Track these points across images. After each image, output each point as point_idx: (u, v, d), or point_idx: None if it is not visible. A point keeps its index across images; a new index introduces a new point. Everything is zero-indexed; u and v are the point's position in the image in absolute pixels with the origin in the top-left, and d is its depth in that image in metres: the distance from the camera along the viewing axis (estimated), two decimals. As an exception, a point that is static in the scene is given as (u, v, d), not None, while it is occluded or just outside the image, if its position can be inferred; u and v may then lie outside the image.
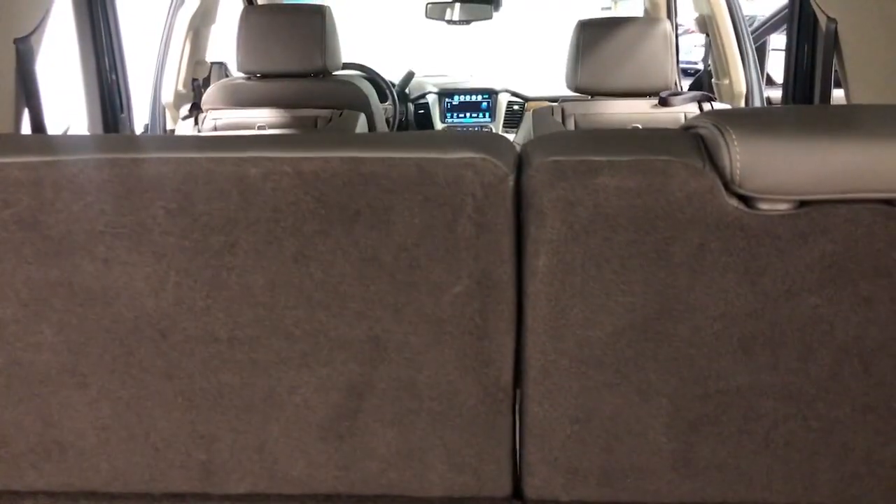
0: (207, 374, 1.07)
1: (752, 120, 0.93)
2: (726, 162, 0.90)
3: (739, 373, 1.02)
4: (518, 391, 1.10)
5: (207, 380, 1.08)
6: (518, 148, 0.99)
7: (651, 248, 0.94)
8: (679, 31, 3.99)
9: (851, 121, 0.94)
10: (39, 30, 2.34)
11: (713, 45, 3.46)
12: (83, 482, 1.19)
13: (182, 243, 0.98)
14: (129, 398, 1.11)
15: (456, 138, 0.96)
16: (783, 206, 0.91)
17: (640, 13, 4.35)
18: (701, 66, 4.71)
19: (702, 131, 0.95)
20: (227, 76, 4.00)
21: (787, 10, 3.50)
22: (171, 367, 1.07)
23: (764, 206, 0.92)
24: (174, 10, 3.57)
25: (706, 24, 3.45)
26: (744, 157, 0.89)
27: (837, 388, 1.03)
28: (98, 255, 0.99)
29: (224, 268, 0.99)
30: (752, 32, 3.54)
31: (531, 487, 1.16)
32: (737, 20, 3.32)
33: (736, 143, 0.89)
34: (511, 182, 0.93)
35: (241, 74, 3.25)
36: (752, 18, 4.37)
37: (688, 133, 0.98)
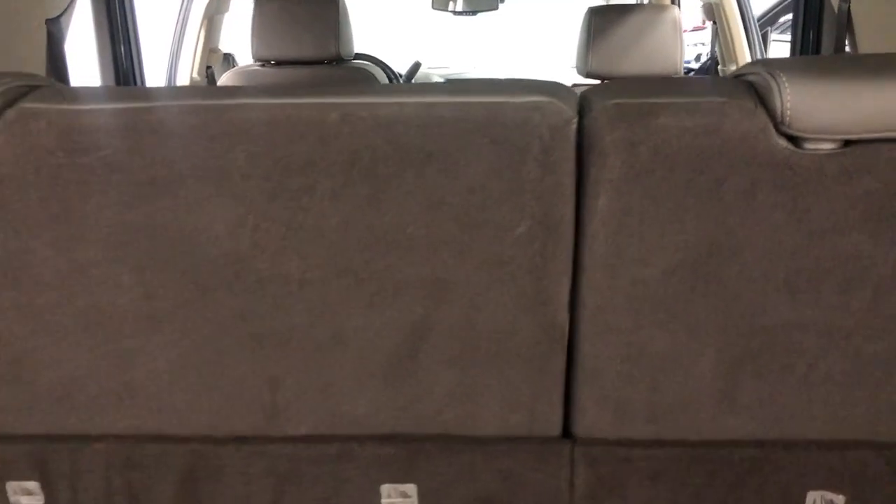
0: (278, 315, 1.13)
1: (800, 66, 0.99)
2: (777, 103, 0.96)
3: (783, 309, 1.09)
4: (571, 331, 1.16)
5: (277, 321, 1.14)
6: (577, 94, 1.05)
7: (705, 186, 1.00)
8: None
9: (891, 66, 1.00)
10: (68, 11, 2.39)
11: (720, 33, 3.53)
12: (152, 426, 1.24)
13: (262, 186, 1.03)
14: (200, 341, 1.16)
15: (523, 84, 1.02)
16: (829, 146, 0.98)
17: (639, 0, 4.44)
18: (695, 66, 4.80)
19: (752, 78, 1.02)
20: (233, 66, 4.05)
21: (787, 2, 3.58)
22: (244, 309, 1.13)
23: (811, 145, 0.98)
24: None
25: (713, 12, 3.52)
26: (793, 98, 0.95)
27: (875, 324, 1.09)
28: (180, 199, 1.05)
29: (300, 209, 1.04)
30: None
31: (581, 426, 1.22)
32: (744, 7, 3.39)
33: (787, 85, 0.95)
34: (575, 124, 0.99)
35: (255, 62, 3.30)
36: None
37: (739, 79, 1.04)
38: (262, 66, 3.30)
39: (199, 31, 3.63)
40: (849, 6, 2.21)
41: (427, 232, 1.06)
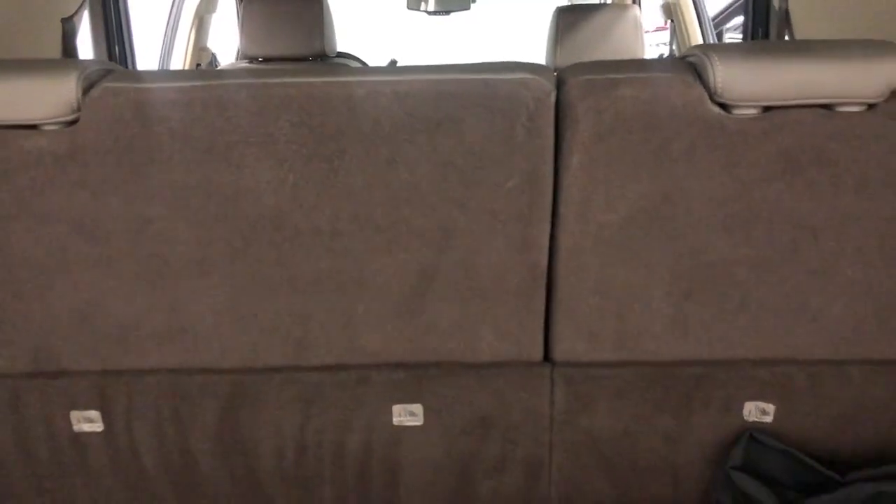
0: (310, 261, 1.37)
1: (729, 49, 1.26)
2: (710, 78, 1.22)
3: (721, 248, 1.35)
4: (550, 270, 1.41)
5: (309, 266, 1.37)
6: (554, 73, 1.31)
7: (656, 145, 1.26)
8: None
9: (800, 48, 1.27)
10: (81, 9, 2.60)
11: (677, 30, 3.82)
12: (198, 360, 1.47)
13: (300, 151, 1.27)
14: (243, 285, 1.39)
15: (512, 64, 1.27)
16: (752, 111, 1.24)
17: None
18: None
19: (692, 59, 1.28)
20: (215, 65, 4.26)
21: (739, 3, 3.88)
22: (281, 257, 1.36)
23: (738, 111, 1.24)
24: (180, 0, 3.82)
25: (671, 11, 3.81)
26: (723, 74, 1.21)
27: (795, 258, 1.36)
28: (232, 162, 1.28)
29: (332, 171, 1.28)
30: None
31: (558, 352, 1.47)
32: (698, 6, 3.68)
33: (718, 64, 1.21)
34: (553, 96, 1.24)
35: (243, 59, 3.52)
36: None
37: (683, 60, 1.30)
38: (250, 62, 3.51)
39: (190, 31, 3.83)
40: (786, 6, 2.51)
41: (436, 188, 1.31)
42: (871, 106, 1.24)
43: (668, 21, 3.94)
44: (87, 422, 1.51)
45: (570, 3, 4.66)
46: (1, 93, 1.23)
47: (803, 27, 2.47)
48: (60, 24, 2.46)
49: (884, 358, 1.44)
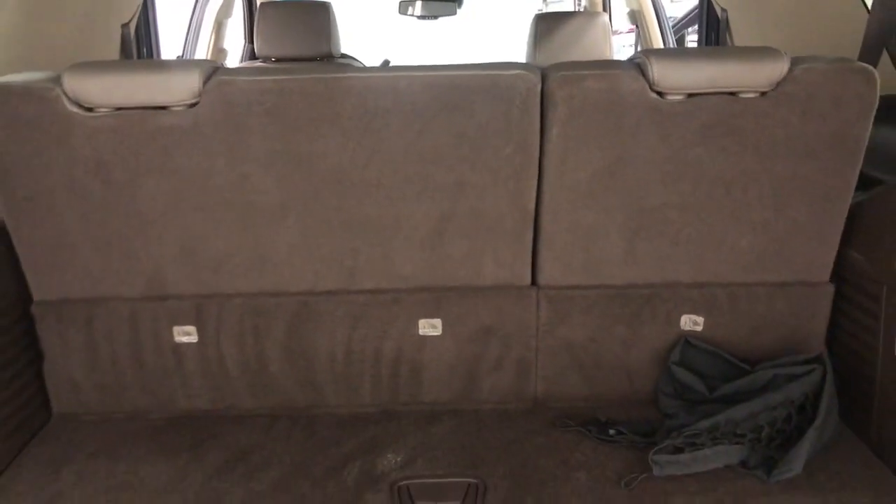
0: (361, 207, 1.85)
1: (663, 53, 1.77)
2: (650, 74, 1.73)
3: (660, 196, 1.86)
4: (536, 215, 1.90)
5: (360, 211, 1.86)
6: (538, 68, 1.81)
7: (612, 122, 1.76)
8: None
9: (714, 53, 1.78)
10: (135, 16, 3.06)
11: (641, 34, 4.35)
12: (273, 285, 1.95)
13: (357, 125, 1.76)
14: (311, 225, 1.88)
15: (509, 64, 1.77)
16: (679, 97, 1.75)
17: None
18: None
19: (638, 60, 1.78)
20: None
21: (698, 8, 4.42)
22: (340, 203, 1.85)
23: (669, 97, 1.75)
24: (202, 6, 4.28)
25: (636, 18, 4.34)
26: (658, 71, 1.72)
27: (713, 204, 1.87)
28: (307, 133, 1.76)
29: (380, 139, 1.77)
30: (673, 27, 4.46)
31: (542, 278, 1.97)
32: (660, 14, 4.21)
33: (654, 63, 1.72)
34: (539, 86, 1.75)
35: (259, 59, 4.00)
36: (674, 18, 5.31)
37: (632, 61, 1.81)
38: (264, 62, 3.99)
39: (211, 34, 4.29)
40: (727, 17, 3.05)
41: (453, 153, 1.80)
42: (763, 93, 1.75)
43: (634, 26, 4.47)
44: (186, 335, 1.98)
45: (546, 11, 5.17)
46: (143, 85, 1.71)
47: (743, 33, 3.01)
48: (119, 29, 2.91)
49: (782, 281, 1.96)
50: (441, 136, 1.78)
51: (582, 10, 5.17)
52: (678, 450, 1.74)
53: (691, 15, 5.49)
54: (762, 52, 1.74)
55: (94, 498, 1.68)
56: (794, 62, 1.75)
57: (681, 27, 5.23)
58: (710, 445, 1.73)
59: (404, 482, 1.73)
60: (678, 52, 1.80)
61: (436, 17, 5.13)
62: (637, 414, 1.98)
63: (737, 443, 1.73)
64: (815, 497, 1.64)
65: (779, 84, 1.74)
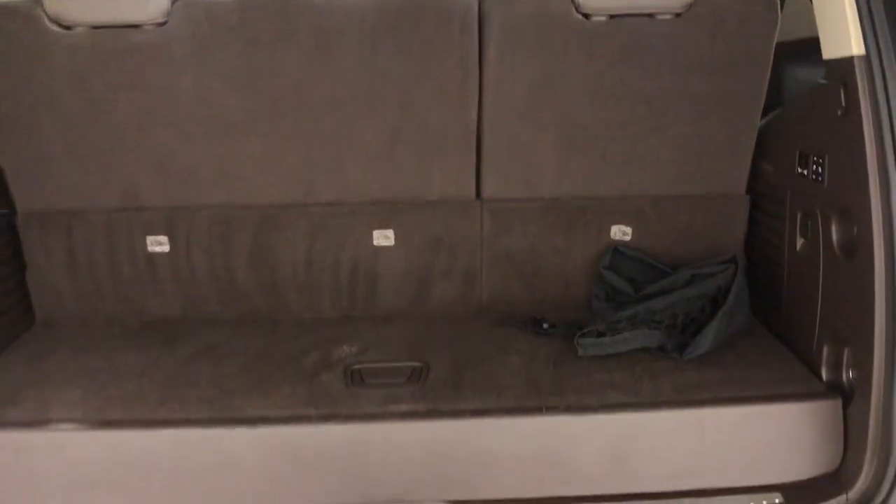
0: (318, 123, 2.04)
1: None
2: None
3: (588, 113, 2.05)
4: (478, 132, 2.09)
5: (317, 127, 2.04)
6: None
7: (543, 41, 1.95)
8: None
9: None
10: None
11: None
12: (239, 197, 2.13)
13: (313, 42, 1.94)
14: (273, 140, 2.06)
15: None
16: (602, 19, 1.95)
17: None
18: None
19: None
20: None
21: None
22: (299, 119, 2.03)
23: (593, 18, 1.94)
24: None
25: None
26: None
27: (636, 121, 2.07)
28: (268, 50, 1.94)
29: (333, 57, 1.96)
30: None
31: (485, 191, 2.16)
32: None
33: None
34: (476, 6, 1.94)
35: None
36: None
37: None
38: None
39: None
40: None
41: (401, 69, 1.99)
42: (677, 15, 1.95)
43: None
44: (158, 244, 2.16)
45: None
46: (117, 4, 1.88)
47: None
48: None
49: (703, 193, 2.17)
50: (390, 53, 1.97)
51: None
52: (601, 334, 1.94)
53: None
54: None
55: (75, 380, 1.86)
56: None
57: None
58: (629, 330, 1.93)
59: (357, 366, 1.92)
60: None
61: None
62: (571, 316, 2.18)
63: (654, 329, 1.93)
64: (721, 372, 1.84)
65: (691, 6, 1.94)
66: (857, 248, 1.65)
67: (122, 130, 2.02)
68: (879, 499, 1.60)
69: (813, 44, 1.76)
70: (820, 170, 1.80)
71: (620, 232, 2.21)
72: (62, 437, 1.67)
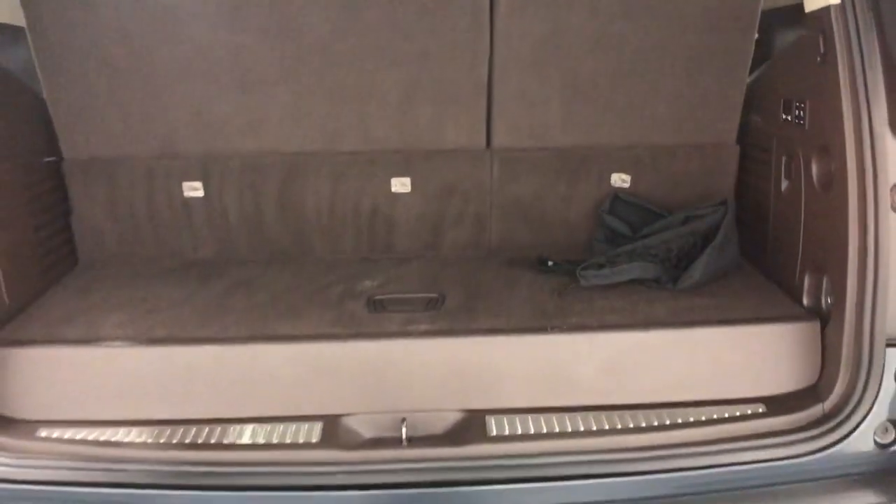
0: (341, 75, 2.21)
1: None
2: None
3: (590, 65, 2.23)
4: (489, 83, 2.27)
5: (340, 79, 2.22)
6: None
7: (544, 0, 2.13)
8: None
9: None
10: None
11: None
12: (268, 146, 2.31)
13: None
14: (299, 91, 2.23)
15: None
16: None
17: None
18: None
19: None
20: None
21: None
22: (324, 71, 2.20)
23: None
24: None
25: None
26: None
27: (635, 74, 2.24)
28: (296, 4, 2.12)
29: (356, 10, 2.13)
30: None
31: (495, 141, 2.34)
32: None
33: None
34: None
35: None
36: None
37: None
38: None
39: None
40: None
41: (418, 24, 2.16)
42: None
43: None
44: (193, 190, 2.34)
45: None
46: None
47: None
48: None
49: (696, 143, 2.34)
50: (409, 10, 2.14)
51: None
52: (601, 266, 2.12)
53: None
54: None
55: (120, 308, 2.04)
56: None
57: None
58: (628, 262, 2.11)
59: (378, 297, 2.10)
60: None
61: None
62: (574, 257, 2.35)
63: (651, 262, 2.11)
64: (711, 300, 2.02)
65: None
66: (834, 182, 1.82)
67: (162, 82, 2.20)
68: (850, 407, 1.77)
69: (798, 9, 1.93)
70: (802, 114, 1.97)
71: (620, 179, 2.38)
72: (113, 353, 1.85)
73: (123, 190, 2.33)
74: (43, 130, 2.25)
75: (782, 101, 2.08)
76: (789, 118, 2.04)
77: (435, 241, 2.42)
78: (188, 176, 2.33)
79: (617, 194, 2.38)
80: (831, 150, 1.82)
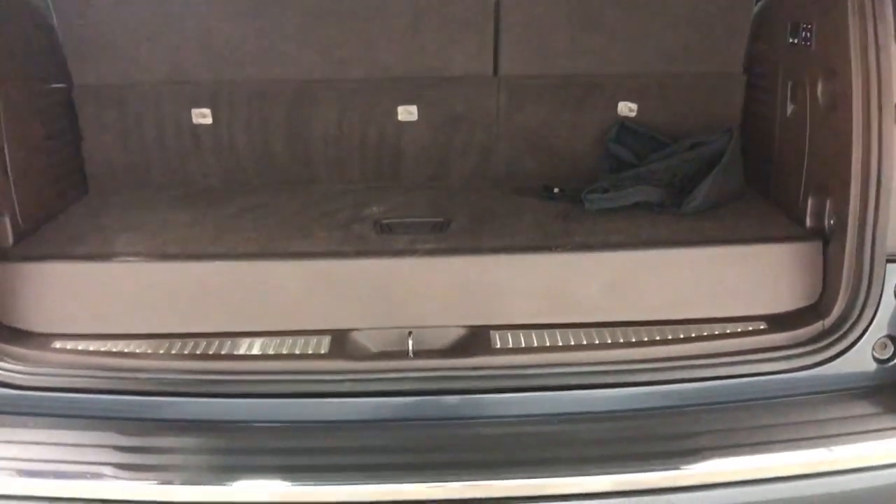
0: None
1: None
2: None
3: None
4: (496, 9, 2.26)
5: (350, 3, 2.22)
6: None
7: None
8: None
9: None
10: None
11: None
12: (275, 72, 2.32)
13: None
14: (307, 16, 2.24)
15: None
16: None
17: None
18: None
19: None
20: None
21: None
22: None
23: None
24: None
25: None
26: None
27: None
28: None
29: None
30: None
31: (502, 69, 2.35)
32: None
33: None
34: None
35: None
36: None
37: None
38: None
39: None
40: None
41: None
42: None
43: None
44: (202, 117, 2.36)
45: None
46: None
47: None
48: None
49: (703, 71, 2.34)
50: None
51: None
52: (606, 191, 2.14)
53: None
54: None
55: (132, 228, 2.07)
56: None
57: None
58: (632, 186, 2.12)
59: (385, 220, 2.13)
60: None
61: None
62: (580, 185, 2.37)
63: (655, 185, 2.13)
64: (714, 222, 2.03)
65: None
66: (838, 102, 1.82)
67: (170, 6, 2.21)
68: (849, 323, 1.79)
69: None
70: (809, 35, 1.96)
71: (627, 108, 2.39)
72: (126, 268, 1.89)
73: (133, 117, 2.35)
74: (54, 58, 2.27)
75: (789, 24, 2.07)
76: (796, 41, 2.04)
77: (441, 170, 2.44)
78: (197, 103, 2.35)
79: (623, 123, 2.38)
80: (837, 70, 1.82)
